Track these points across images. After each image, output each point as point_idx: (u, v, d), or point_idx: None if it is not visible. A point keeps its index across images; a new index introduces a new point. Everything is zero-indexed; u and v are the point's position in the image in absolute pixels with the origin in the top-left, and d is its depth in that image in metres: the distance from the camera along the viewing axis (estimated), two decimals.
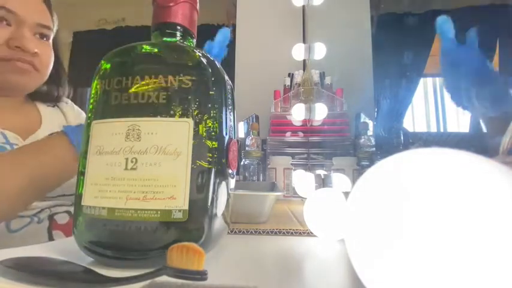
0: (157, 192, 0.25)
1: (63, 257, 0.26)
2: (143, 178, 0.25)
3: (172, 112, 0.27)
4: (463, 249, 0.13)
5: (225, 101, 0.30)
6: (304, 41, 1.26)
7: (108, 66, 0.29)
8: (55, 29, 0.63)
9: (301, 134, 1.11)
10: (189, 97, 0.27)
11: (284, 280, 0.25)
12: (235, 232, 0.41)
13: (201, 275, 0.20)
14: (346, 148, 1.06)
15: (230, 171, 0.30)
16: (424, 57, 2.32)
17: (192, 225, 0.26)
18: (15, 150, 0.49)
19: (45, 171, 0.46)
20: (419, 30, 2.25)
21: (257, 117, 1.21)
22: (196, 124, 0.27)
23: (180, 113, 0.27)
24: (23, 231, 0.53)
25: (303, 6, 1.29)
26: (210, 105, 0.28)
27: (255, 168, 1.00)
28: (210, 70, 0.29)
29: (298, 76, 1.20)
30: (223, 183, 0.29)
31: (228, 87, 0.31)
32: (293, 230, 0.41)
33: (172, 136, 0.26)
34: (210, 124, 0.27)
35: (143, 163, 0.26)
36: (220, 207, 0.28)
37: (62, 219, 0.58)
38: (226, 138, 0.29)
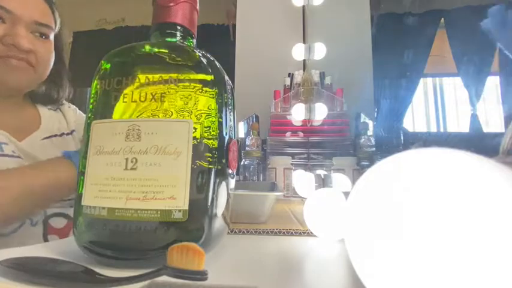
0: (157, 192, 0.25)
1: (62, 257, 0.26)
2: (143, 178, 0.25)
3: (172, 112, 0.27)
4: (463, 249, 0.13)
5: (225, 100, 0.30)
6: (304, 41, 1.26)
7: (108, 66, 0.29)
8: (57, 27, 0.63)
9: (301, 134, 1.11)
10: (189, 97, 0.27)
11: (284, 280, 0.25)
12: (235, 232, 0.41)
13: (201, 275, 0.20)
14: (346, 148, 1.06)
15: (230, 171, 0.30)
16: (424, 57, 2.32)
17: (192, 225, 0.26)
18: (17, 168, 0.50)
19: (43, 188, 0.48)
20: (419, 30, 2.25)
21: (257, 117, 1.21)
22: (196, 124, 0.27)
23: (180, 113, 0.27)
24: (16, 235, 0.53)
25: (303, 6, 1.29)
26: (210, 105, 0.28)
27: (255, 168, 1.00)
28: (210, 70, 0.29)
29: (298, 76, 1.20)
30: (223, 183, 0.29)
31: (228, 87, 0.31)
32: (293, 230, 0.41)
33: (172, 136, 0.26)
34: (209, 124, 0.27)
35: (143, 163, 0.26)
36: (221, 207, 0.28)
37: (59, 223, 0.57)
38: (226, 138, 0.29)
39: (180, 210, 0.25)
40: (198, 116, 0.27)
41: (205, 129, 0.27)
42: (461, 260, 0.13)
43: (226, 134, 0.29)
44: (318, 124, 1.09)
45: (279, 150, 1.08)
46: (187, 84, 0.27)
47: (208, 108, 0.28)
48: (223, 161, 0.28)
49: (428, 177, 0.15)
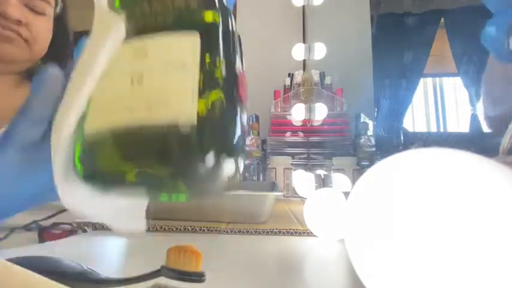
0: (164, 105, 0.24)
1: (62, 257, 0.26)
2: (149, 92, 0.25)
3: (179, 30, 0.26)
4: (464, 249, 0.13)
5: (232, 38, 0.29)
6: (304, 41, 1.26)
7: None
8: (59, 7, 0.60)
9: (301, 134, 1.11)
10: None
11: (284, 280, 0.25)
12: (235, 232, 0.41)
13: (198, 277, 0.20)
14: (346, 148, 1.06)
15: (240, 103, 0.28)
16: (424, 57, 2.32)
17: (200, 144, 0.25)
18: None
19: None
20: (419, 30, 2.25)
21: (257, 117, 1.21)
22: (205, 50, 0.26)
23: (188, 30, 0.26)
24: (8, 240, 0.50)
25: (303, 6, 1.29)
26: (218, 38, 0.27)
27: (255, 168, 1.00)
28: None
29: (298, 76, 1.20)
30: (235, 113, 0.27)
31: (236, 34, 0.30)
32: (293, 230, 0.41)
33: (180, 50, 0.25)
34: (219, 55, 0.27)
35: (150, 77, 0.25)
36: (236, 135, 0.27)
37: (57, 231, 0.55)
38: (236, 70, 0.28)
39: (187, 125, 0.24)
40: (206, 46, 0.26)
41: (215, 57, 0.26)
42: (462, 259, 0.13)
43: (236, 66, 0.28)
44: (318, 124, 1.09)
45: (279, 150, 1.08)
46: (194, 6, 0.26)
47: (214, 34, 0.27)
48: (233, 90, 0.28)
49: (428, 177, 0.15)
